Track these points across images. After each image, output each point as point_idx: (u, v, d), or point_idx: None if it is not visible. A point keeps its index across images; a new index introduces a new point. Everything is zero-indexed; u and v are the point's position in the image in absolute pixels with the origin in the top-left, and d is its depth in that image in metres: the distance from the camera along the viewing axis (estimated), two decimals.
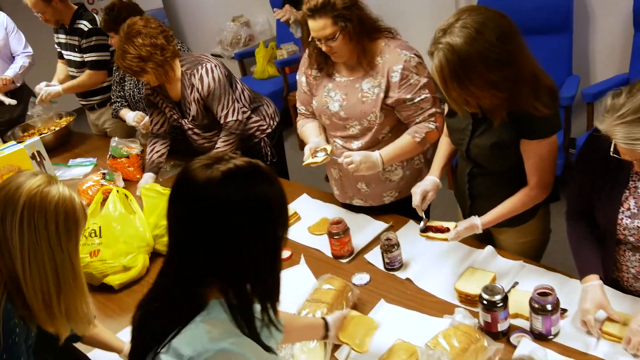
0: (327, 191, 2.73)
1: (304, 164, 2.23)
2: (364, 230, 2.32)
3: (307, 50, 2.34)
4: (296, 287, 2.06)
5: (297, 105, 2.48)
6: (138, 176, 3.09)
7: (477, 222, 1.92)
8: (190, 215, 1.10)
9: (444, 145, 2.15)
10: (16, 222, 1.35)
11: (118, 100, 3.35)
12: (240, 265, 1.12)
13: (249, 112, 2.87)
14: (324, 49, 2.12)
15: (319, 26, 2.05)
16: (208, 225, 1.09)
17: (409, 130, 2.20)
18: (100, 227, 2.27)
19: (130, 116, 3.24)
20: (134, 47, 2.49)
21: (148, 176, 2.90)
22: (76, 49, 3.58)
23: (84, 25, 3.46)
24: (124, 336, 1.94)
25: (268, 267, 1.16)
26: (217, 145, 2.76)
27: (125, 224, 2.29)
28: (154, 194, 2.40)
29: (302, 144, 4.83)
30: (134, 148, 3.13)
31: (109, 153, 3.14)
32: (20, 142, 3.08)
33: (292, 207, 2.55)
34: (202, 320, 1.11)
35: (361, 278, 2.09)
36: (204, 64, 2.67)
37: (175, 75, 2.68)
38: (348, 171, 2.31)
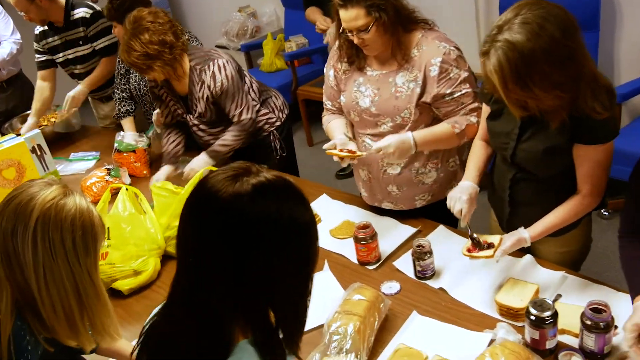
0: (344, 191, 2.59)
1: (326, 149, 2.10)
2: (391, 234, 2.18)
3: (336, 43, 2.19)
4: (322, 295, 1.92)
5: (324, 100, 2.35)
6: (145, 172, 2.94)
7: (525, 236, 1.77)
8: (213, 232, 0.94)
9: (481, 149, 2.00)
10: (29, 238, 1.23)
11: (123, 94, 3.15)
12: (268, 290, 0.97)
13: (258, 105, 2.74)
14: (355, 41, 1.98)
15: (350, 16, 1.90)
16: (236, 244, 0.93)
17: (448, 120, 2.05)
18: (108, 228, 2.11)
19: (130, 136, 3.07)
20: (140, 44, 2.34)
21: (164, 170, 2.71)
22: (81, 42, 3.36)
23: (84, 12, 3.25)
24: None
25: (299, 293, 1.02)
26: (225, 137, 2.63)
27: (135, 225, 2.13)
28: (166, 193, 2.25)
29: (310, 141, 4.70)
30: (141, 142, 2.97)
31: (115, 147, 2.97)
32: (19, 135, 2.91)
33: (315, 208, 2.39)
34: None
35: (391, 287, 1.95)
36: (215, 60, 2.53)
37: (183, 71, 2.54)
38: (378, 173, 2.19)
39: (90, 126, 3.78)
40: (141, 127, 3.25)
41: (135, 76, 3.05)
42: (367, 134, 2.18)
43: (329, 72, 2.25)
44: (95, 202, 2.75)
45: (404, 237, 2.15)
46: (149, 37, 2.34)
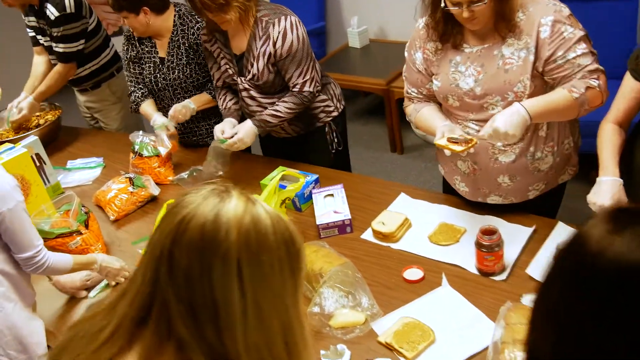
0: (422, 188, 2.26)
1: (437, 143, 1.77)
2: (505, 236, 1.86)
3: (421, 21, 1.87)
4: (458, 319, 1.60)
5: (407, 88, 2.01)
6: (170, 178, 2.49)
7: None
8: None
9: (615, 135, 1.71)
10: (232, 273, 0.81)
11: (139, 86, 2.64)
12: None
13: (319, 87, 2.37)
14: (464, 15, 1.67)
15: None
16: None
17: (565, 85, 1.74)
18: None
19: (159, 120, 2.52)
20: None
21: (228, 122, 2.35)
22: (48, 35, 2.92)
23: (50, 12, 2.77)
24: None
25: None
26: (277, 107, 2.28)
27: None
28: None
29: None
30: (165, 143, 2.51)
31: (135, 150, 2.49)
32: (12, 143, 2.40)
33: (397, 211, 2.05)
34: None
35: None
36: (288, 16, 2.19)
37: (249, 20, 2.20)
38: (487, 163, 1.87)
39: (79, 127, 3.26)
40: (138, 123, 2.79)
41: (150, 66, 2.57)
42: (471, 120, 1.86)
43: (416, 55, 1.92)
44: (118, 220, 2.31)
45: (523, 240, 1.85)
46: None
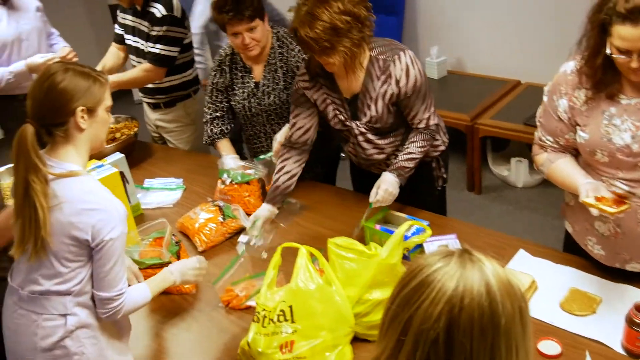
0: (536, 242, 2.07)
1: (585, 201, 1.59)
2: None
3: (570, 65, 1.70)
4: None
5: (540, 134, 1.83)
6: None
7: None
8: None
9: None
10: (512, 347, 0.80)
11: (217, 114, 2.53)
12: None
13: None
14: (633, 65, 1.51)
15: None
16: None
17: None
18: (291, 307, 1.53)
19: (231, 163, 2.43)
20: (328, 13, 1.83)
21: (265, 210, 2.14)
22: (144, 36, 2.83)
23: (157, 10, 2.70)
24: None
25: None
26: (409, 149, 2.12)
27: (326, 302, 1.54)
28: (352, 254, 1.66)
29: None
30: (255, 170, 2.36)
31: (226, 178, 2.34)
32: (97, 159, 2.27)
33: (518, 269, 1.86)
34: None
35: None
36: (406, 51, 2.04)
37: (361, 61, 2.03)
38: (633, 227, 1.70)
39: (153, 144, 3.14)
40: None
41: (243, 92, 2.43)
42: (620, 178, 1.67)
43: (559, 101, 1.74)
44: (205, 251, 2.16)
45: None
46: (342, 6, 1.85)
